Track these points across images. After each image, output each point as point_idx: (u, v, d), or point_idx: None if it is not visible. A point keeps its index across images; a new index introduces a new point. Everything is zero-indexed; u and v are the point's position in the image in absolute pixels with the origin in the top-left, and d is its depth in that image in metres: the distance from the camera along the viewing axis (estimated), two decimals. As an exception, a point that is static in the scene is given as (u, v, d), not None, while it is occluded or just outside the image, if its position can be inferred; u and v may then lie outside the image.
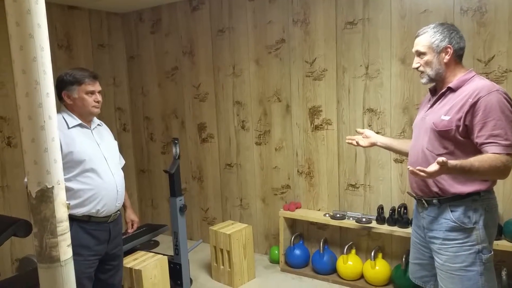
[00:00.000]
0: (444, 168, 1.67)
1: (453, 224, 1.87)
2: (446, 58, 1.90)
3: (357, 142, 2.35)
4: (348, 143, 2.40)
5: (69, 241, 1.18)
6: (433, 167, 1.67)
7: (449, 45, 1.88)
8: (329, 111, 3.49)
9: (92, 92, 2.21)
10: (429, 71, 1.93)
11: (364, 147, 2.37)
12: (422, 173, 1.69)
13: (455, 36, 1.90)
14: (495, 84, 1.84)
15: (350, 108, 3.39)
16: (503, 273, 2.78)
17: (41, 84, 1.07)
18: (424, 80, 1.98)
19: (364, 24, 3.24)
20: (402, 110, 3.17)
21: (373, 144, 2.34)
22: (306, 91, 3.58)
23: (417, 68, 1.98)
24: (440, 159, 1.65)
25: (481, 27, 2.82)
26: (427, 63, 1.93)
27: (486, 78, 1.96)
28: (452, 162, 1.70)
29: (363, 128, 3.29)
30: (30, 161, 1.10)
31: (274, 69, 3.72)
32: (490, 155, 1.75)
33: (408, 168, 1.77)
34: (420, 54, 1.95)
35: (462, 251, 1.86)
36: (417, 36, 1.97)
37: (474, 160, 1.73)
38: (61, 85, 2.18)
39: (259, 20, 3.74)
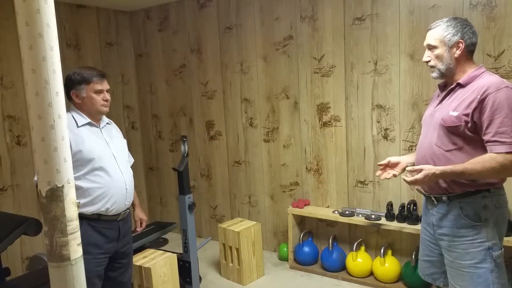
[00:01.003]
0: (430, 175, 1.76)
1: (463, 221, 1.86)
2: (457, 53, 1.87)
3: (394, 175, 2.06)
4: (387, 178, 2.10)
5: (79, 240, 1.18)
6: (414, 177, 1.79)
7: (461, 40, 1.86)
8: (338, 108, 3.47)
9: (101, 91, 2.21)
10: (440, 66, 1.91)
11: (399, 174, 2.10)
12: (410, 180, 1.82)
13: (467, 31, 1.88)
14: (504, 80, 1.81)
15: (358, 105, 3.37)
16: (515, 270, 2.76)
17: (50, 83, 1.07)
18: (434, 75, 1.95)
19: (373, 19, 3.21)
20: (411, 106, 3.15)
21: (405, 169, 2.11)
22: (314, 87, 3.56)
23: (427, 62, 1.96)
24: (410, 168, 1.82)
25: (491, 21, 2.79)
26: (438, 57, 1.91)
27: (496, 73, 1.94)
28: (441, 168, 1.77)
29: (372, 123, 3.32)
30: (40, 160, 1.10)
31: (282, 66, 3.71)
32: (485, 156, 1.75)
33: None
34: (431, 47, 1.93)
35: (472, 248, 1.84)
36: (430, 29, 1.95)
37: (468, 163, 1.75)
38: (70, 85, 2.18)
39: (266, 16, 3.73)
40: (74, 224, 1.16)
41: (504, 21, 2.74)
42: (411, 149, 3.17)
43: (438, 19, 1.96)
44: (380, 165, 2.12)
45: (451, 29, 1.87)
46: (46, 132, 1.09)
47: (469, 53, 1.90)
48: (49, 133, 1.09)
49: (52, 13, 1.07)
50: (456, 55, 1.88)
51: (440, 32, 1.89)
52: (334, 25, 3.39)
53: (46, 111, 1.08)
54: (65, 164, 1.13)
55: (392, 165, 2.11)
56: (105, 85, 2.24)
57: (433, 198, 1.96)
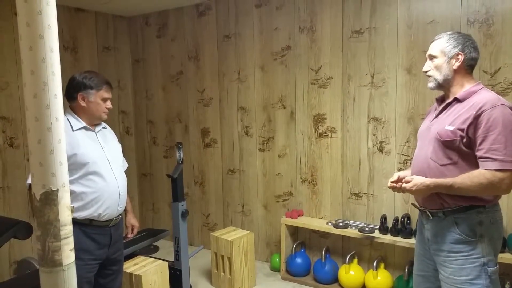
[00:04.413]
0: (420, 185, 1.82)
1: (458, 236, 1.85)
2: (456, 64, 1.89)
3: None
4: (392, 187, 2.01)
5: (72, 245, 1.16)
6: (403, 185, 1.87)
7: (460, 52, 1.89)
8: (334, 119, 3.48)
9: (106, 99, 2.26)
10: (438, 76, 1.93)
11: None
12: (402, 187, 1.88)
13: (469, 45, 1.91)
14: (501, 98, 1.83)
15: (354, 117, 3.38)
16: (507, 286, 2.76)
17: (49, 85, 1.06)
18: (431, 85, 1.97)
19: (371, 33, 3.23)
20: (407, 120, 3.16)
21: None
22: (311, 98, 3.57)
23: (426, 72, 1.98)
24: (402, 183, 1.87)
25: (488, 39, 2.82)
26: (437, 67, 1.93)
27: (492, 90, 1.95)
28: (431, 179, 1.82)
29: (367, 136, 3.32)
30: (36, 162, 1.08)
31: (279, 76, 3.71)
32: (475, 172, 1.77)
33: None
34: (432, 57, 1.96)
35: (468, 264, 1.84)
36: (433, 40, 1.98)
37: (458, 177, 1.78)
38: (78, 86, 2.19)
39: (265, 26, 3.74)
40: (67, 229, 1.14)
41: (501, 39, 2.77)
42: (406, 163, 3.17)
43: (436, 34, 2.00)
44: (392, 182, 2.00)
45: (453, 41, 1.91)
46: (42, 134, 1.07)
47: (468, 67, 1.92)
48: (45, 136, 1.07)
49: (54, 15, 1.06)
50: (454, 67, 1.90)
51: (442, 43, 1.93)
52: (332, 37, 3.41)
53: (43, 113, 1.06)
54: (61, 168, 1.11)
55: (401, 181, 1.98)
56: (111, 94, 2.29)
57: (428, 213, 1.96)
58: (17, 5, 1.03)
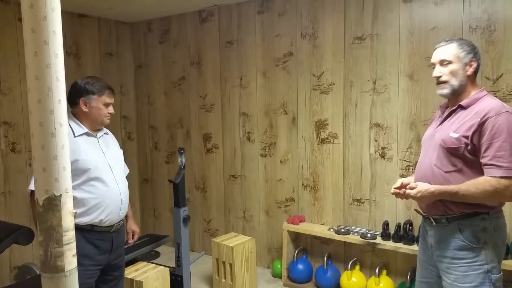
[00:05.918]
0: (424, 192, 1.83)
1: (462, 243, 1.85)
2: (470, 71, 1.90)
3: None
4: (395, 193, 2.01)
5: (74, 251, 1.15)
6: (407, 191, 1.89)
7: (474, 59, 1.89)
8: (336, 125, 3.48)
9: (109, 104, 2.26)
10: (454, 81, 1.89)
11: None
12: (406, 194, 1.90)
13: (478, 52, 1.93)
14: (505, 105, 1.83)
15: (356, 122, 3.38)
16: (510, 294, 2.74)
17: (53, 90, 1.06)
18: (445, 91, 1.91)
19: (373, 39, 3.24)
20: (409, 126, 3.16)
21: None
22: (312, 104, 3.57)
23: (438, 78, 1.93)
24: (406, 189, 1.89)
25: (490, 45, 2.82)
26: (453, 73, 1.89)
27: (495, 97, 1.95)
28: (436, 186, 1.82)
29: (369, 141, 3.32)
30: (39, 168, 1.08)
31: (281, 82, 3.72)
32: (480, 179, 1.77)
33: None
34: (445, 63, 1.91)
35: (471, 270, 1.83)
36: (440, 46, 1.95)
37: (463, 184, 1.78)
38: (80, 92, 2.19)
39: (267, 33, 3.75)
40: (70, 235, 1.13)
41: (502, 45, 2.77)
42: (408, 169, 3.17)
43: (438, 41, 2.00)
44: (395, 188, 2.00)
45: (466, 47, 1.90)
46: (46, 139, 1.07)
47: (475, 74, 1.93)
48: (49, 141, 1.07)
49: (59, 21, 1.06)
50: (468, 73, 1.90)
51: (455, 48, 1.90)
52: (334, 44, 3.42)
53: (47, 118, 1.06)
54: (64, 173, 1.11)
55: (404, 187, 1.99)
56: (113, 99, 2.30)
57: (431, 219, 1.95)
58: (22, 11, 1.03)
